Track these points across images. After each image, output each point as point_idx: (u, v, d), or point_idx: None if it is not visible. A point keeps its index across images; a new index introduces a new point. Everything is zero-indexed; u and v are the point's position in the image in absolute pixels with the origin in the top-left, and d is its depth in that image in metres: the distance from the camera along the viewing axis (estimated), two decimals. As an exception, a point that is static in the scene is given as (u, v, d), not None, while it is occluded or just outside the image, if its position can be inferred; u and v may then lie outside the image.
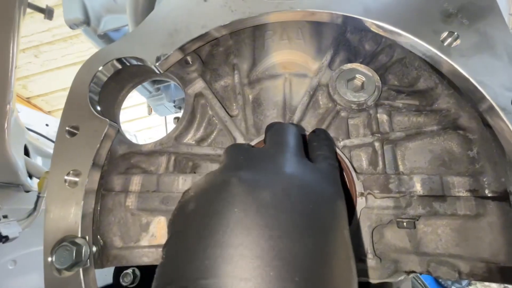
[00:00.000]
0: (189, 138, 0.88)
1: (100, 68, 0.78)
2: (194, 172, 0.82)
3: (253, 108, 0.89)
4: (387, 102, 0.82)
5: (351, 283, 0.36)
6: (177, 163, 0.84)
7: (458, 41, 0.67)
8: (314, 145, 0.62)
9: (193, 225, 0.37)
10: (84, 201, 0.69)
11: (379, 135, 0.77)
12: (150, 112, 2.36)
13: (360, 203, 0.68)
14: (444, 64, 0.68)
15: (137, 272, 1.18)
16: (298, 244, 0.33)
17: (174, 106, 2.19)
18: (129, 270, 1.18)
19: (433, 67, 0.77)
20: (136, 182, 0.79)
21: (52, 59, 4.88)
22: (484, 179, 0.69)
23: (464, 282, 5.22)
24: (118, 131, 0.83)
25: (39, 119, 2.73)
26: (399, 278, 0.68)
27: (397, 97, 0.84)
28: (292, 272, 0.31)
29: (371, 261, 0.66)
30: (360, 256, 0.68)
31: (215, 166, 0.85)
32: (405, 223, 0.69)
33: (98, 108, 0.79)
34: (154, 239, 0.78)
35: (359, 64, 0.82)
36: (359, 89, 0.81)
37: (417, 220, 0.70)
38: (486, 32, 0.68)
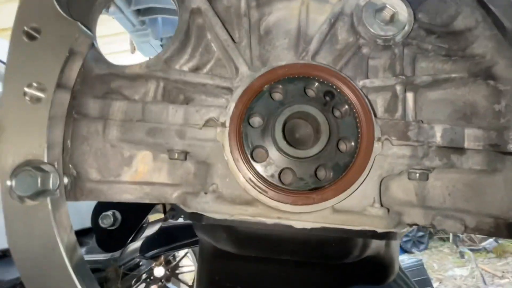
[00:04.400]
0: (182, 64, 0.74)
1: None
2: (187, 104, 0.70)
3: (259, 37, 0.75)
4: (415, 42, 0.71)
5: None
6: (166, 93, 0.72)
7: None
8: None
9: None
10: (51, 122, 0.56)
11: (403, 77, 0.67)
12: (133, 51, 2.10)
13: (375, 149, 0.61)
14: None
15: (118, 214, 1.11)
16: None
17: (161, 45, 1.95)
18: (109, 212, 1.10)
19: (478, 1, 0.66)
20: (117, 109, 0.66)
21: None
22: (509, 134, 0.64)
23: (422, 246, 5.81)
24: (93, 44, 0.67)
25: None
26: (402, 230, 0.64)
27: (426, 38, 0.73)
28: None
29: (377, 211, 0.62)
30: (362, 206, 0.63)
31: (211, 101, 0.73)
32: (418, 174, 0.64)
33: (67, 8, 0.62)
34: (137, 175, 0.69)
35: (392, -9, 0.69)
36: (388, 22, 0.68)
37: (431, 172, 0.65)
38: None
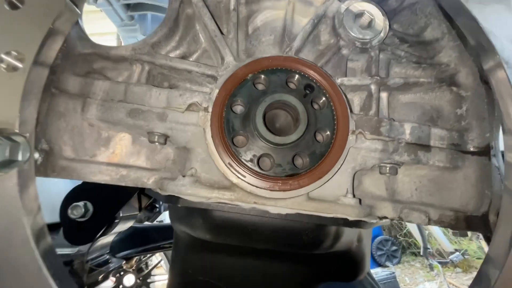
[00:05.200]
0: (168, 51, 0.75)
1: None
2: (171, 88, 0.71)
3: (246, 32, 0.78)
4: (389, 48, 0.77)
5: None
6: (150, 78, 0.72)
7: (478, -14, 0.63)
8: None
9: None
10: (27, 93, 0.54)
11: (378, 77, 0.72)
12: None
13: (350, 141, 0.64)
14: (460, 10, 0.63)
15: (89, 206, 1.06)
16: None
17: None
18: (81, 203, 1.05)
19: (444, 15, 0.73)
20: (99, 88, 0.65)
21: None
22: (469, 135, 0.70)
23: (395, 260, 5.99)
24: (78, 22, 0.66)
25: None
26: (372, 221, 0.67)
27: (400, 46, 0.79)
28: None
29: (350, 200, 0.64)
30: (336, 196, 0.65)
31: (195, 89, 0.74)
32: (388, 168, 0.68)
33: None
34: (114, 156, 0.68)
35: (369, 1, 0.75)
36: (366, 27, 0.74)
37: (400, 167, 0.69)
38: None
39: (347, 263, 0.86)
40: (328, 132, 0.63)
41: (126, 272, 3.17)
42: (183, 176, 0.63)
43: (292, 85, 0.66)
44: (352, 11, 0.74)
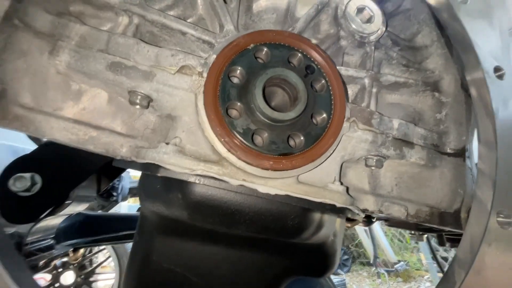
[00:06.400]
0: (161, 8, 0.67)
1: None
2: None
3: (248, 7, 0.74)
4: (383, 48, 0.80)
5: None
6: (138, 35, 0.64)
7: (469, 1, 0.67)
8: None
9: None
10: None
11: (372, 72, 0.74)
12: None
13: (344, 127, 0.63)
14: (452, 19, 0.67)
15: (38, 179, 0.91)
16: None
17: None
18: (27, 174, 0.89)
19: (436, 23, 0.78)
20: (75, 33, 0.56)
21: None
22: (447, 138, 0.74)
23: (345, 269, 6.34)
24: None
25: None
26: (355, 211, 0.67)
27: (392, 48, 0.83)
28: None
29: (338, 187, 0.63)
30: (324, 182, 0.64)
31: (189, 61, 0.67)
32: (375, 161, 0.69)
33: None
34: (84, 114, 0.58)
35: (371, -2, 0.77)
36: (365, 22, 0.75)
37: (385, 160, 0.70)
38: (490, 2, 0.70)
39: (321, 257, 0.85)
40: (325, 115, 0.62)
41: (65, 268, 2.83)
42: (166, 143, 0.56)
43: (293, 64, 0.64)
44: (355, 4, 0.75)
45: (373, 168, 0.70)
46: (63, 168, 0.96)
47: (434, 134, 0.74)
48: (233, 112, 0.58)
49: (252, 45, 0.61)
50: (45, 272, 2.59)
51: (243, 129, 0.57)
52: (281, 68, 0.59)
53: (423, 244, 5.81)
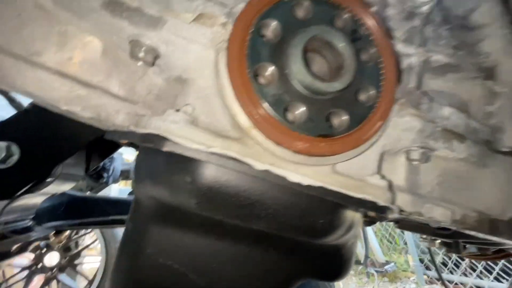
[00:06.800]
0: None
1: None
2: None
3: None
4: (432, 24, 0.68)
5: None
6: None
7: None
8: None
9: None
10: None
11: (422, 49, 0.62)
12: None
13: (394, 111, 0.52)
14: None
15: (16, 149, 0.78)
16: None
17: None
18: (2, 143, 0.76)
19: (500, -2, 0.66)
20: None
21: None
22: (501, 134, 0.64)
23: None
24: None
25: None
26: (395, 212, 0.56)
27: (442, 24, 0.71)
28: None
29: (379, 181, 0.52)
30: (362, 175, 0.53)
31: (210, 8, 0.54)
32: (420, 153, 0.57)
33: None
34: (70, 65, 0.45)
35: (425, -39, 0.64)
36: (418, -11, 0.63)
37: (431, 154, 0.59)
38: None
39: (338, 261, 0.75)
40: (373, 92, 0.50)
41: (49, 248, 2.70)
42: (177, 110, 0.44)
43: (337, 26, 0.51)
44: (408, -34, 0.62)
45: (414, 162, 0.59)
46: (46, 139, 0.82)
47: (487, 128, 0.63)
48: (263, 78, 0.46)
49: (291, -4, 0.48)
50: (29, 252, 2.46)
51: (274, 100, 0.45)
52: (326, 27, 0.47)
53: (411, 246, 5.84)
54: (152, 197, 0.59)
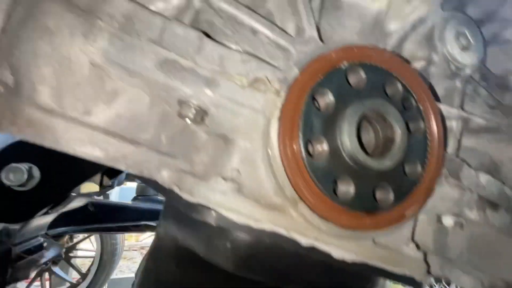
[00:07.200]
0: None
1: None
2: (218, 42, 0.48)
3: (335, 7, 0.60)
4: (473, 83, 0.67)
5: None
6: (195, 23, 0.49)
7: None
8: None
9: None
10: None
11: (464, 113, 0.61)
12: None
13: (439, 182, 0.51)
14: None
15: (36, 172, 0.76)
16: None
17: None
18: (24, 166, 0.74)
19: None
20: (119, 10, 0.41)
21: None
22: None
23: None
24: None
25: None
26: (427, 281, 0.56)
27: (481, 82, 0.70)
28: None
29: (414, 252, 0.52)
30: (399, 244, 0.52)
31: (264, 72, 0.52)
32: (454, 221, 0.57)
33: None
34: (118, 122, 0.43)
35: (472, 22, 0.63)
36: (463, 50, 0.62)
37: (465, 223, 0.59)
38: None
39: None
40: (419, 166, 0.49)
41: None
42: (224, 179, 0.42)
43: (388, 94, 0.50)
44: (456, 25, 0.61)
45: (447, 227, 0.59)
46: (67, 161, 0.80)
47: (520, 195, 0.62)
48: (313, 150, 0.45)
49: (346, 64, 0.47)
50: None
51: (323, 174, 0.44)
52: (381, 100, 0.46)
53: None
54: (180, 244, 0.58)
